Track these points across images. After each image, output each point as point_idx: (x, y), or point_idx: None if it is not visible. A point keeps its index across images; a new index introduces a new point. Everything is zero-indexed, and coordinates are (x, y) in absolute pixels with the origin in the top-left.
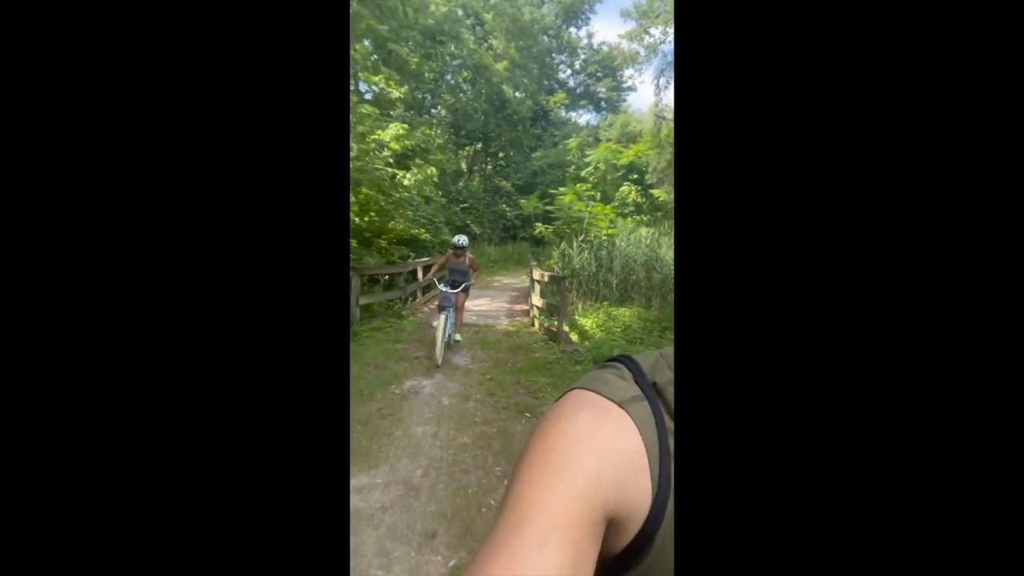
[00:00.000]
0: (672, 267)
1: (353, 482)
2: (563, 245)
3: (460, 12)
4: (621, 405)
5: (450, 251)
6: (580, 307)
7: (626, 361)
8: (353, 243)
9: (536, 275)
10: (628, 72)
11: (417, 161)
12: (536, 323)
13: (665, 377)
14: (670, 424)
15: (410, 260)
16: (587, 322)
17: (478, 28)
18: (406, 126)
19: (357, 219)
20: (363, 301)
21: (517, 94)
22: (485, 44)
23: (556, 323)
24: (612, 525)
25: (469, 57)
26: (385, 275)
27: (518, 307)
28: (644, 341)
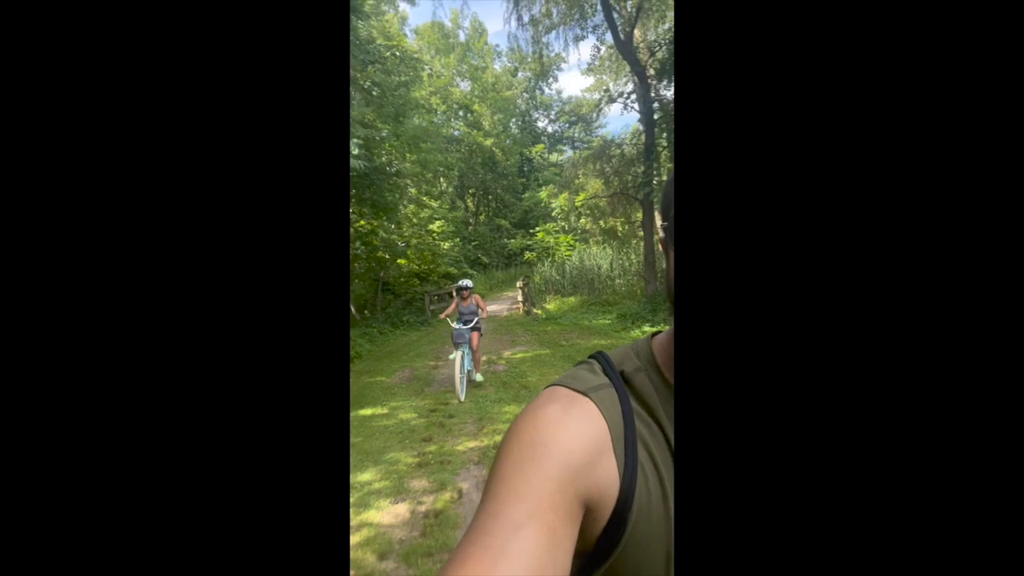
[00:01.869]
0: (596, 272)
1: (439, 361)
2: (539, 266)
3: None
4: (586, 394)
5: (456, 298)
6: (547, 299)
7: (598, 356)
8: (416, 282)
9: (519, 284)
10: (593, 115)
11: (450, 232)
12: (521, 310)
13: (632, 365)
14: (638, 407)
15: (449, 285)
16: (550, 306)
17: (469, 115)
18: (442, 221)
19: (418, 267)
20: (432, 308)
21: (508, 142)
22: (476, 129)
23: (527, 306)
24: (588, 511)
25: (464, 140)
26: (436, 294)
27: (514, 307)
28: (576, 309)
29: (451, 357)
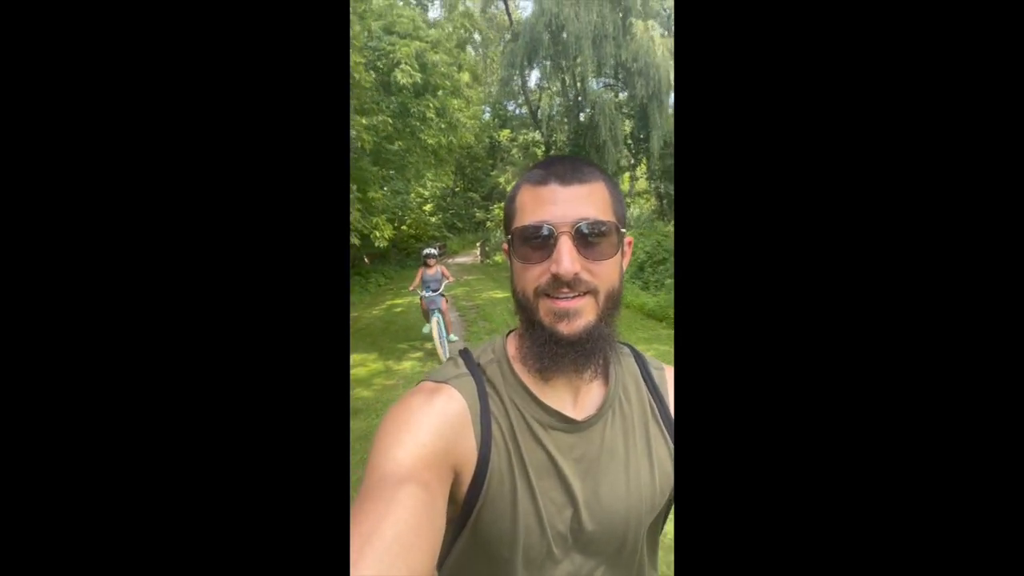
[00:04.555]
0: None
1: None
2: (495, 231)
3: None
4: (447, 382)
5: (421, 267)
6: (498, 253)
7: (463, 352)
8: (414, 242)
9: (478, 244)
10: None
11: (437, 209)
12: (479, 259)
13: (487, 357)
14: (491, 391)
15: (434, 243)
16: (498, 259)
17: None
18: (431, 204)
19: (414, 231)
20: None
21: (478, 127)
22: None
23: (483, 258)
24: (455, 475)
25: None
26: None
27: (476, 258)
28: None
29: (425, 331)
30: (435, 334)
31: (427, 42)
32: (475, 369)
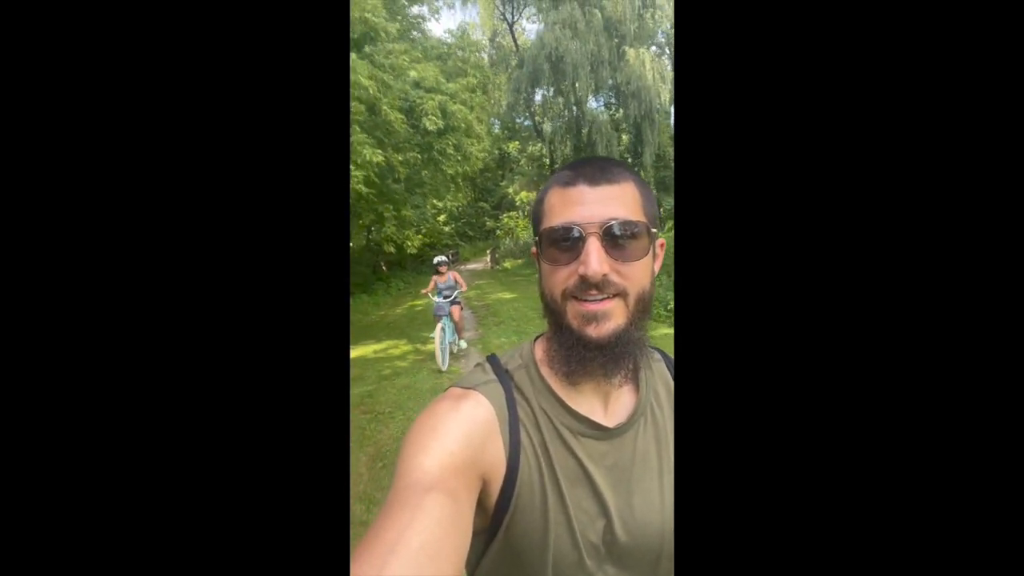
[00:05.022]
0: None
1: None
2: (504, 239)
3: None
4: (475, 388)
5: (434, 275)
6: (507, 260)
7: (490, 358)
8: (429, 250)
9: (489, 251)
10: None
11: (450, 219)
12: (490, 265)
13: (515, 363)
14: (519, 397)
15: (447, 250)
16: (507, 264)
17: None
18: (445, 215)
19: (430, 240)
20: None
21: (489, 142)
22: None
23: (493, 264)
24: (484, 484)
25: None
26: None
27: (486, 264)
28: (520, 266)
29: (432, 335)
30: (436, 342)
31: (447, 94)
32: (503, 375)
